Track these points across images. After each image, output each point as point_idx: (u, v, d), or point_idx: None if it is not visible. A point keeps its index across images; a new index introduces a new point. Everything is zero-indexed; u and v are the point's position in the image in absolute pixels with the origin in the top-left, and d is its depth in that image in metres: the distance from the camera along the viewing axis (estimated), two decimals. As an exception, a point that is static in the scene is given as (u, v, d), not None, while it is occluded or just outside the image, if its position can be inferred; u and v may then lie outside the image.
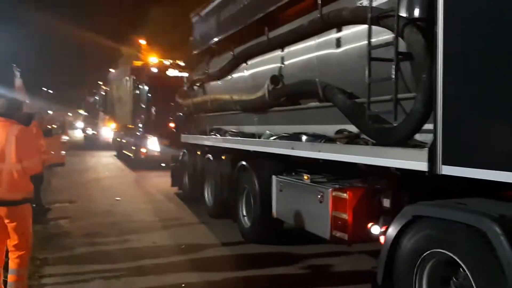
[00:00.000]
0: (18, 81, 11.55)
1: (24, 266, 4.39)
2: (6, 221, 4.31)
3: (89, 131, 34.59)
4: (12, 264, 4.34)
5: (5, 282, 4.44)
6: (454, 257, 3.10)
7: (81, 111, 50.78)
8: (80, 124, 50.50)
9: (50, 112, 29.46)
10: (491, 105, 3.01)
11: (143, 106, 17.73)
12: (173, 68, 17.47)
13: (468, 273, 3.01)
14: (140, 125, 18.03)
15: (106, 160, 22.03)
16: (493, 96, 3.00)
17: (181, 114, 11.55)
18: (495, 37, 2.96)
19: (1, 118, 4.41)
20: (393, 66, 3.83)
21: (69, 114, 56.54)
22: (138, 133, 18.16)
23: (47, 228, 7.84)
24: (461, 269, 3.11)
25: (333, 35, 5.17)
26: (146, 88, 17.62)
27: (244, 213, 7.31)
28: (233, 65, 7.91)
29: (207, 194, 9.21)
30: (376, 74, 4.11)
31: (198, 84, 10.12)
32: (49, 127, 11.86)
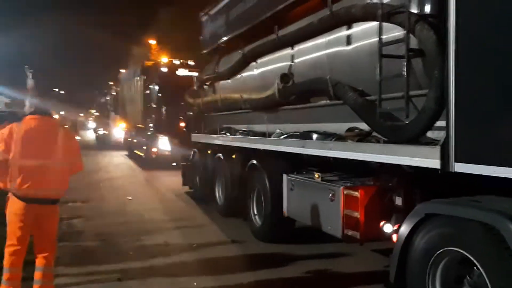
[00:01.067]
0: (30, 82, 11.69)
1: (51, 265, 4.41)
2: (40, 220, 4.27)
3: (101, 131, 34.83)
4: (39, 263, 4.35)
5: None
6: (467, 255, 3.07)
7: (93, 112, 51.17)
8: (91, 124, 50.88)
9: (61, 112, 29.72)
10: (504, 102, 2.97)
11: (154, 106, 17.80)
12: (183, 68, 17.50)
13: (482, 271, 2.97)
14: (151, 125, 18.11)
15: (117, 160, 22.16)
16: (505, 92, 2.96)
17: (191, 113, 11.58)
18: (507, 33, 2.92)
19: (45, 117, 4.46)
20: (404, 63, 3.80)
21: (81, 114, 57.02)
22: (149, 133, 18.24)
23: (60, 227, 7.85)
24: (475, 267, 3.08)
25: (343, 32, 5.15)
26: (157, 88, 17.69)
27: (255, 212, 7.31)
28: (243, 64, 7.90)
29: (218, 193, 9.22)
30: (387, 71, 4.08)
31: (208, 84, 10.14)
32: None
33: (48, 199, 4.31)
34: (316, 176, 5.40)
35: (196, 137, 10.77)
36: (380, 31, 4.09)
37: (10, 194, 4.26)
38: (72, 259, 6.00)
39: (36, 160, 4.25)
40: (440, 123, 3.56)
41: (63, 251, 6.23)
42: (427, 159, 3.54)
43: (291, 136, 6.22)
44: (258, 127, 7.74)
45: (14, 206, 4.20)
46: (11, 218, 4.20)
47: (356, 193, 4.56)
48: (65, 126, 4.93)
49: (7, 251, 4.20)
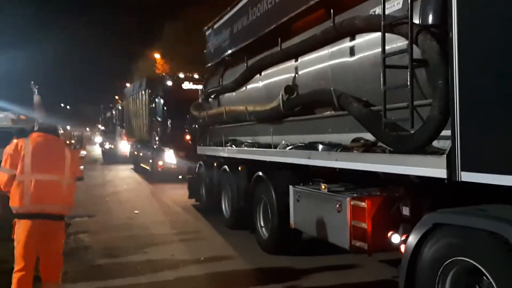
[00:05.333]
0: (36, 98, 11.76)
1: (58, 281, 4.43)
2: (47, 237, 4.27)
3: (107, 145, 34.95)
4: (45, 279, 4.35)
5: None
6: (476, 265, 3.05)
7: (99, 126, 51.39)
8: (98, 138, 51.07)
9: (68, 127, 29.86)
10: (509, 109, 2.96)
11: (159, 119, 17.87)
12: (188, 81, 17.60)
13: (491, 281, 2.95)
14: (157, 138, 18.16)
15: (123, 174, 22.21)
16: (510, 100, 2.95)
17: (197, 126, 11.62)
18: (510, 42, 2.93)
19: (50, 136, 4.53)
20: (408, 73, 3.81)
21: (87, 129, 57.29)
22: (154, 146, 18.30)
23: (67, 242, 7.87)
24: (484, 277, 3.05)
25: (346, 44, 5.17)
26: (162, 101, 17.77)
27: (262, 224, 7.29)
28: (247, 76, 7.94)
29: (224, 206, 9.21)
30: (391, 81, 4.09)
31: (212, 96, 10.18)
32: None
33: (56, 214, 4.32)
34: (323, 187, 5.39)
35: (201, 150, 10.80)
36: (383, 42, 4.11)
37: (15, 220, 4.24)
38: (79, 275, 5.99)
39: (44, 175, 4.28)
40: (446, 132, 3.55)
41: (70, 267, 6.22)
42: (433, 168, 3.53)
43: (297, 147, 6.22)
44: (263, 139, 7.76)
45: (21, 227, 4.18)
46: (19, 239, 4.18)
47: (363, 204, 4.55)
48: (67, 143, 5.00)
49: (16, 276, 4.14)
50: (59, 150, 4.50)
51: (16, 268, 4.17)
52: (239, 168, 8.29)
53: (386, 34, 4.11)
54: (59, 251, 4.46)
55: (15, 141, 4.39)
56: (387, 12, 4.17)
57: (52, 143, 4.52)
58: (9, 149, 4.31)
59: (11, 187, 4.24)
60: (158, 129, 18.02)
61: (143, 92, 20.11)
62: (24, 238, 4.16)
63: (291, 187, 6.13)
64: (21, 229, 4.19)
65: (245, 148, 8.14)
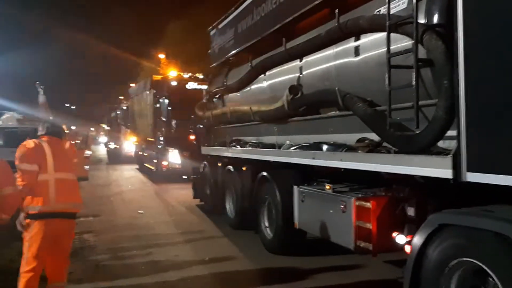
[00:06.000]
0: (41, 98, 11.80)
1: (64, 280, 4.48)
2: (59, 236, 4.30)
3: (112, 145, 35.08)
4: (52, 279, 4.39)
5: None
6: (482, 265, 3.03)
7: (104, 126, 51.57)
8: (103, 138, 51.26)
9: (73, 127, 29.97)
10: (516, 110, 2.94)
11: (164, 119, 17.90)
12: (192, 81, 17.61)
13: (497, 282, 2.93)
14: (161, 138, 18.19)
15: (128, 174, 22.25)
16: (517, 100, 2.94)
17: (201, 126, 11.63)
18: (517, 41, 2.91)
19: (55, 138, 4.58)
20: (413, 73, 3.80)
21: (92, 129, 57.46)
22: (159, 146, 18.32)
23: (72, 243, 7.91)
24: (490, 278, 3.03)
25: (351, 43, 5.16)
26: (166, 101, 17.80)
27: (266, 224, 7.29)
28: (252, 77, 7.94)
29: (229, 206, 9.21)
30: (396, 81, 4.07)
31: (217, 96, 10.19)
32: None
33: (74, 213, 4.40)
34: (327, 187, 5.38)
35: (206, 150, 10.80)
36: (388, 41, 4.10)
37: (28, 221, 4.22)
38: (84, 275, 6.00)
39: (66, 174, 4.39)
40: (451, 132, 3.54)
41: (75, 267, 6.24)
42: (439, 169, 3.51)
43: (301, 147, 6.21)
44: (267, 139, 7.75)
45: (37, 227, 4.18)
46: (35, 240, 4.16)
47: (368, 204, 4.53)
48: (71, 143, 5.05)
49: (25, 276, 4.13)
50: (68, 150, 4.64)
51: (26, 268, 4.15)
52: (244, 168, 8.29)
53: (391, 34, 4.10)
54: (68, 251, 4.51)
55: (30, 141, 4.40)
56: (392, 11, 4.16)
57: (62, 144, 4.64)
58: (27, 147, 4.31)
59: (32, 184, 4.20)
60: (163, 129, 18.05)
61: (147, 92, 20.16)
62: (40, 239, 4.16)
63: (295, 187, 6.12)
64: (37, 230, 4.17)
65: (250, 148, 8.13)
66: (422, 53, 3.81)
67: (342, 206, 4.87)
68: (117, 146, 33.14)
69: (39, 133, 4.63)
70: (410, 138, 3.96)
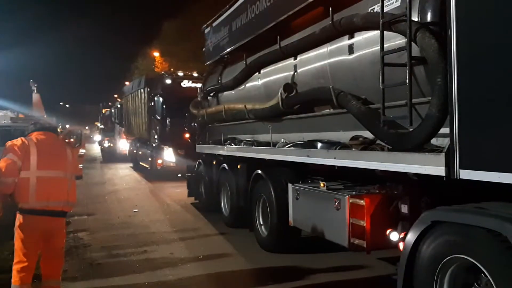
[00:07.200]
0: (35, 96, 11.75)
1: (58, 278, 4.47)
2: (49, 234, 4.30)
3: (106, 143, 35.00)
4: (46, 276, 4.38)
5: None
6: (475, 262, 3.05)
7: (98, 124, 51.39)
8: (97, 137, 51.09)
9: (67, 126, 29.85)
10: (507, 107, 2.96)
11: (158, 117, 17.86)
12: (187, 79, 17.59)
13: (490, 278, 2.96)
14: (156, 137, 18.16)
15: (123, 172, 22.20)
16: (508, 97, 2.95)
17: (196, 124, 11.61)
18: (508, 39, 2.93)
19: (51, 134, 4.57)
20: (407, 71, 3.81)
21: (86, 127, 57.26)
22: (153, 145, 18.29)
23: (67, 241, 7.87)
24: (482, 274, 3.06)
25: (345, 41, 5.17)
26: (161, 99, 17.75)
27: (261, 222, 7.30)
28: (246, 75, 7.93)
29: (223, 204, 9.22)
30: (389, 79, 4.09)
31: (211, 94, 10.18)
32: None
33: (59, 211, 4.35)
34: (321, 185, 5.39)
35: (200, 148, 10.80)
36: (382, 39, 4.11)
37: (17, 215, 4.25)
38: (78, 273, 6.01)
39: (49, 172, 4.33)
40: (444, 130, 3.55)
41: (70, 265, 6.24)
42: (432, 166, 3.53)
43: (296, 145, 6.22)
44: (262, 137, 7.76)
45: (23, 223, 4.20)
46: (20, 234, 4.20)
47: (362, 202, 4.55)
48: (66, 141, 5.03)
49: (16, 268, 4.17)
50: (61, 148, 4.58)
51: (16, 260, 4.20)
52: (238, 166, 8.29)
53: (385, 32, 4.11)
54: (61, 249, 4.49)
55: (18, 139, 4.39)
56: (385, 9, 4.17)
57: (54, 141, 4.58)
58: (15, 143, 4.29)
59: (13, 173, 4.18)
60: (157, 127, 18.02)
61: (142, 90, 20.09)
62: (25, 233, 4.19)
63: (290, 185, 6.14)
64: (23, 225, 4.20)
65: (244, 146, 8.14)
66: (415, 51, 3.82)
67: (336, 204, 4.88)
68: (112, 145, 33.04)
69: (26, 132, 4.63)
70: (403, 136, 3.98)
